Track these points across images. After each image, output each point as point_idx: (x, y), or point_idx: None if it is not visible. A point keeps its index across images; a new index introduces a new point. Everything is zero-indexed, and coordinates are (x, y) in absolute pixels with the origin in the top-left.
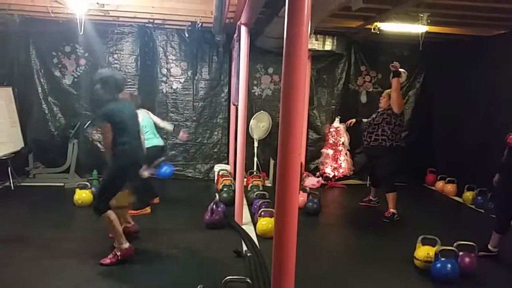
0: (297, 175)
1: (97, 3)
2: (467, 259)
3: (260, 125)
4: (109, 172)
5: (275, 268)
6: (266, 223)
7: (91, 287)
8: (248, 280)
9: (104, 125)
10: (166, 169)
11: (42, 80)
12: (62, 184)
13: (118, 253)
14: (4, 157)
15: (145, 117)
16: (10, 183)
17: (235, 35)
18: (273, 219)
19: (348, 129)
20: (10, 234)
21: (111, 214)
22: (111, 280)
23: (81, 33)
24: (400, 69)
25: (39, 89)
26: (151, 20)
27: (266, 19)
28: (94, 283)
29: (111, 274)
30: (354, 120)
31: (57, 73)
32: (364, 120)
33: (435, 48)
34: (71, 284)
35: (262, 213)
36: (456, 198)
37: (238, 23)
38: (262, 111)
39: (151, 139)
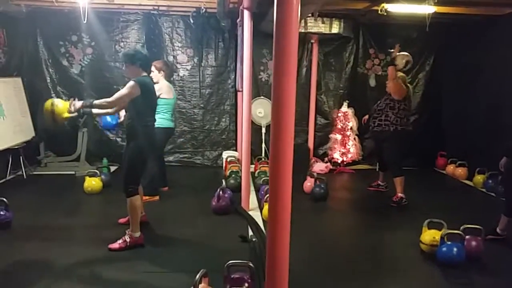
0: (289, 161)
1: None
2: (473, 243)
3: (257, 111)
4: (130, 158)
5: (269, 252)
6: None
7: (99, 271)
8: (251, 264)
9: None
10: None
11: (50, 69)
12: (73, 173)
13: (128, 240)
14: (16, 147)
15: (174, 96)
16: (22, 172)
17: (238, 19)
18: None
19: (357, 114)
20: (22, 223)
21: (138, 199)
22: (118, 264)
23: (85, 21)
24: (402, 53)
25: (48, 78)
26: (156, 7)
27: (270, 2)
28: (102, 267)
29: (118, 259)
30: (367, 116)
31: (65, 63)
32: (365, 117)
33: (445, 29)
34: (79, 269)
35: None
36: (467, 182)
37: (241, 7)
38: (262, 97)
39: (163, 120)
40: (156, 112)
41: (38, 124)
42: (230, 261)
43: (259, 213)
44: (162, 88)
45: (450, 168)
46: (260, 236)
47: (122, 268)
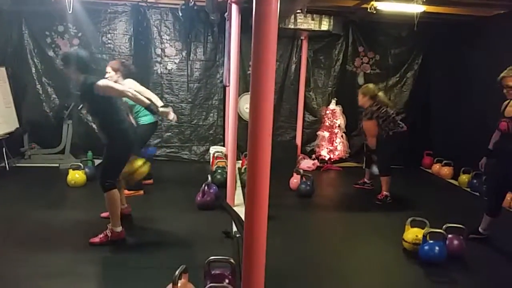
0: (267, 157)
1: None
2: (455, 242)
3: (245, 107)
4: (110, 155)
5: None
6: None
7: (78, 266)
8: (232, 260)
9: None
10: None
11: (35, 60)
12: (57, 165)
13: (109, 234)
14: None
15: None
16: (5, 164)
17: (226, 13)
18: None
19: (345, 112)
20: (1, 215)
21: (115, 193)
22: (98, 259)
23: (70, 12)
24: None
25: (33, 69)
26: None
27: None
28: (82, 262)
29: (99, 253)
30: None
31: (50, 53)
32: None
33: (434, 29)
34: (59, 264)
35: None
36: (452, 181)
37: (229, 1)
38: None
39: (147, 116)
40: (135, 111)
41: (23, 115)
42: (211, 257)
43: (244, 209)
44: (133, 86)
45: (436, 167)
46: (244, 232)
47: (102, 263)
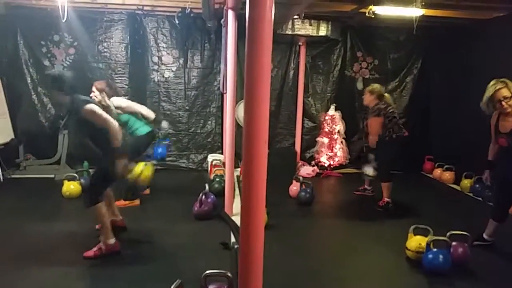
0: (263, 165)
1: None
2: (460, 250)
3: (243, 114)
4: (101, 168)
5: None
6: None
7: (72, 282)
8: (229, 274)
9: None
10: (161, 150)
11: (31, 70)
12: (53, 176)
13: (103, 247)
14: None
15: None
16: (0, 175)
17: (222, 20)
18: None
19: (344, 117)
20: None
21: (101, 207)
22: (91, 273)
23: (64, 20)
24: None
25: (28, 79)
26: (140, 7)
27: None
28: (75, 277)
29: (94, 267)
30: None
31: (46, 63)
32: (354, 139)
33: (433, 32)
34: (52, 279)
35: None
36: (454, 186)
37: (225, 7)
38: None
39: (141, 127)
40: (129, 127)
41: (18, 125)
42: (208, 271)
43: None
44: (120, 103)
45: (437, 172)
46: None
47: (95, 277)
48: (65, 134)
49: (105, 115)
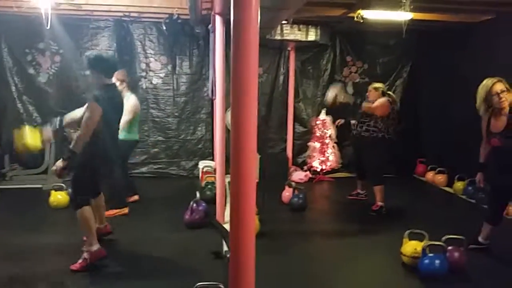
0: (252, 173)
1: None
2: (456, 254)
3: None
4: (79, 161)
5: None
6: None
7: None
8: (221, 286)
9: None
10: None
11: (15, 78)
12: (40, 186)
13: (87, 257)
14: None
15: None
16: None
17: (209, 25)
18: (257, 216)
19: (335, 122)
20: None
21: (87, 210)
22: (80, 285)
23: (48, 27)
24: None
25: (13, 88)
26: (127, 13)
27: None
28: None
29: (79, 280)
30: (342, 120)
31: (31, 71)
32: (353, 121)
33: (422, 36)
34: None
35: None
36: (447, 189)
37: (212, 13)
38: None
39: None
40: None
41: (3, 135)
42: (199, 283)
43: None
44: (135, 105)
45: (430, 175)
46: None
47: None
48: (52, 143)
49: (88, 121)
